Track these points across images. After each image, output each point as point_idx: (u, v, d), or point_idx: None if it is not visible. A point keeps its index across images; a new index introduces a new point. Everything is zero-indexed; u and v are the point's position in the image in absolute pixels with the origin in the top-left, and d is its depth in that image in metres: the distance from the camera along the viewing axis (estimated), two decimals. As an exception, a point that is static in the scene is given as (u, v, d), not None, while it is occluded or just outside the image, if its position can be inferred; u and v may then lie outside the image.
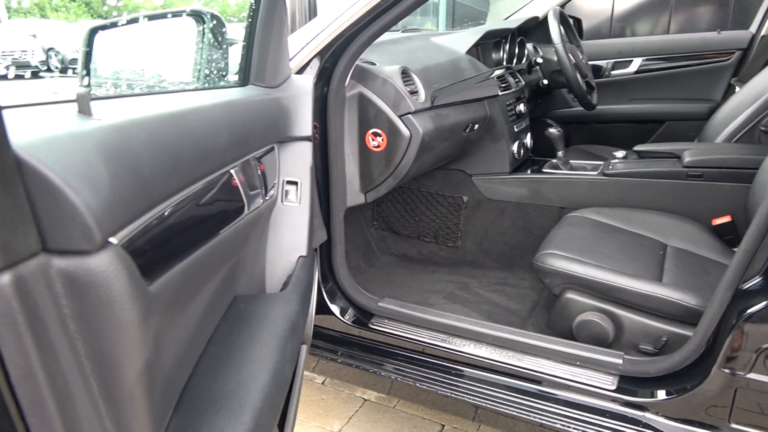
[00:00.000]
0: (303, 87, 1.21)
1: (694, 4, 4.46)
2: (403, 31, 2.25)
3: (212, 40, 1.15)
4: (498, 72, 2.16)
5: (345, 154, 1.58)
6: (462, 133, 1.86)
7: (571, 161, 2.18)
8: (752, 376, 1.17)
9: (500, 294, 1.97)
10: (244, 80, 1.11)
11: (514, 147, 2.13)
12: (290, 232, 1.09)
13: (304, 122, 1.16)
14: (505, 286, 2.03)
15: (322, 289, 1.62)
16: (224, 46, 1.16)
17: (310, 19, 2.56)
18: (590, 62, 2.78)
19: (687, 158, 1.89)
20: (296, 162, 1.13)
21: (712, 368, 1.22)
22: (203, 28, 1.13)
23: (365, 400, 1.84)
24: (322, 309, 1.62)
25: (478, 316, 1.82)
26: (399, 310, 1.60)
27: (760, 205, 1.63)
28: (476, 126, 1.93)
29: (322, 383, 1.92)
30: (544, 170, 2.13)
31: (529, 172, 2.17)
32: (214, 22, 1.14)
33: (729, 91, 2.61)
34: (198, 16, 1.13)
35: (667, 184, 1.92)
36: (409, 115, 1.54)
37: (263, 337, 0.78)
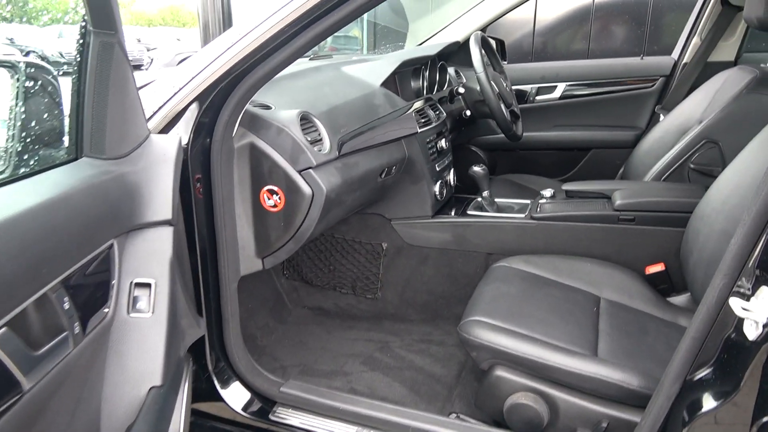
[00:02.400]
0: (163, 152, 0.95)
1: (614, 22, 4.49)
2: (311, 59, 2.01)
3: (35, 97, 0.87)
4: (417, 105, 1.97)
5: (236, 214, 1.33)
6: (377, 179, 1.65)
7: (497, 200, 2.02)
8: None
9: (424, 355, 1.77)
10: (75, 153, 0.84)
11: (436, 188, 1.94)
12: (138, 355, 0.83)
13: (161, 201, 0.90)
14: (430, 345, 1.83)
15: (213, 375, 1.35)
16: (53, 104, 0.89)
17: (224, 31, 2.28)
18: (514, 87, 2.65)
19: (618, 201, 1.76)
20: (150, 256, 0.87)
21: None
22: (18, 83, 0.85)
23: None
24: (213, 397, 1.36)
25: (400, 387, 1.61)
26: (305, 396, 1.36)
27: (698, 262, 1.51)
28: (393, 169, 1.73)
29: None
30: (468, 212, 1.96)
31: (453, 213, 1.99)
32: (34, 71, 0.87)
33: (653, 119, 2.55)
34: (10, 66, 0.85)
35: (597, 228, 1.78)
36: (310, 170, 1.31)
37: None
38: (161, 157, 0.94)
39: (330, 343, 1.85)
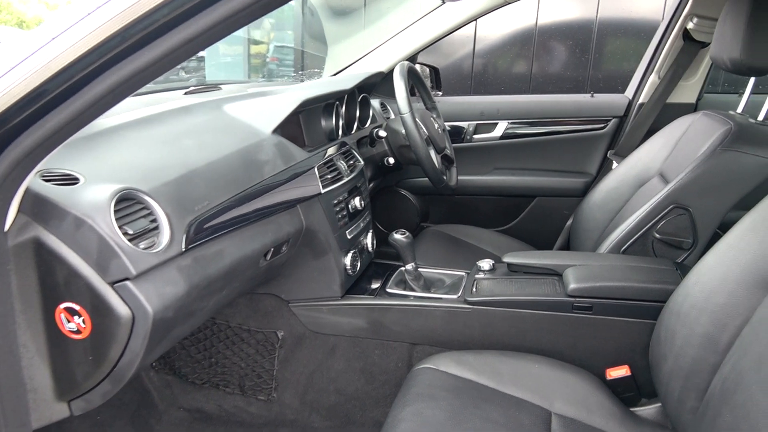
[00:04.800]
0: None
1: (557, 46, 4.26)
2: (188, 92, 1.56)
3: None
4: (329, 152, 1.55)
5: (20, 342, 0.87)
6: (258, 263, 1.22)
7: (424, 271, 1.63)
8: None
9: (327, 489, 1.35)
10: None
11: (347, 260, 1.53)
12: None
13: None
14: (337, 468, 1.42)
15: None
16: None
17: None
18: (450, 123, 2.29)
19: (572, 284, 1.40)
20: None
21: None
22: None
23: None
24: None
25: None
26: None
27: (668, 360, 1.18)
28: (283, 247, 1.30)
29: None
30: (388, 290, 1.56)
31: (370, 288, 1.59)
32: None
33: (605, 165, 2.24)
34: None
35: (547, 317, 1.42)
36: (128, 283, 0.86)
37: None
38: None
39: (204, 468, 1.40)
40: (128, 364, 0.90)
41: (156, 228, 0.93)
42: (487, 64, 4.65)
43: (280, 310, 1.52)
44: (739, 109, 1.68)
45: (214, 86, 1.70)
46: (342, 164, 1.58)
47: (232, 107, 1.44)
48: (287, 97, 1.53)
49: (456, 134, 2.34)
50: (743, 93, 1.72)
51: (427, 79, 2.38)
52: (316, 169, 1.43)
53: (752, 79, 1.65)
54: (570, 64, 4.21)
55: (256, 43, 6.60)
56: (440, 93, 2.43)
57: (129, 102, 1.39)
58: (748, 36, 1.43)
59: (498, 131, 2.31)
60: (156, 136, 1.15)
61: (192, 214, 0.99)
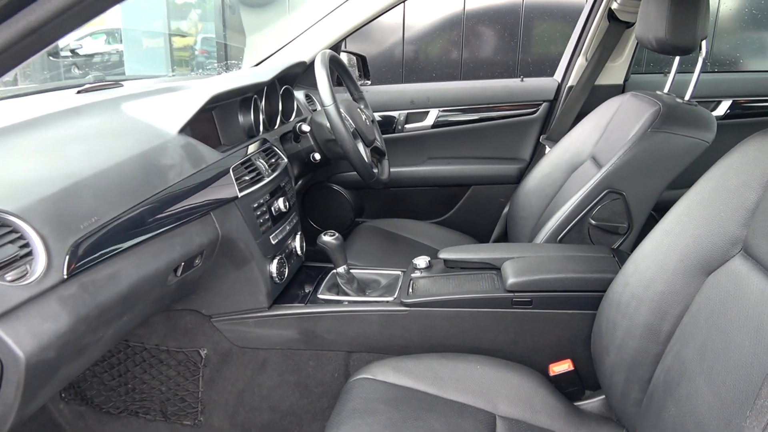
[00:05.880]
0: None
1: (485, 31, 4.24)
2: (80, 91, 1.39)
3: None
4: (242, 152, 1.43)
5: None
6: (166, 281, 1.09)
7: (357, 272, 1.54)
8: None
9: None
10: None
11: (273, 267, 1.41)
12: None
13: None
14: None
15: None
16: None
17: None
18: (380, 113, 2.20)
19: (510, 278, 1.34)
20: None
21: None
22: None
23: None
24: None
25: None
26: None
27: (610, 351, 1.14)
28: (197, 260, 1.17)
29: None
30: (320, 296, 1.46)
31: (301, 295, 1.48)
32: None
33: (538, 150, 2.21)
34: None
35: (487, 314, 1.36)
36: (-10, 324, 0.72)
37: None
38: None
39: None
40: (2, 417, 0.76)
41: (29, 254, 0.78)
42: (418, 51, 4.59)
43: (202, 326, 1.39)
44: (666, 89, 1.67)
45: (114, 83, 1.53)
46: (262, 163, 1.45)
47: (132, 106, 1.28)
48: (196, 92, 1.38)
49: (387, 124, 2.25)
50: (668, 72, 1.70)
51: (354, 68, 2.28)
52: (231, 171, 1.30)
53: (677, 58, 1.63)
54: (499, 49, 4.20)
55: (183, 35, 6.27)
56: (369, 82, 2.33)
57: (6, 104, 1.23)
58: (671, 15, 1.41)
59: (430, 120, 2.24)
60: (34, 144, 0.99)
61: (76, 234, 0.85)
